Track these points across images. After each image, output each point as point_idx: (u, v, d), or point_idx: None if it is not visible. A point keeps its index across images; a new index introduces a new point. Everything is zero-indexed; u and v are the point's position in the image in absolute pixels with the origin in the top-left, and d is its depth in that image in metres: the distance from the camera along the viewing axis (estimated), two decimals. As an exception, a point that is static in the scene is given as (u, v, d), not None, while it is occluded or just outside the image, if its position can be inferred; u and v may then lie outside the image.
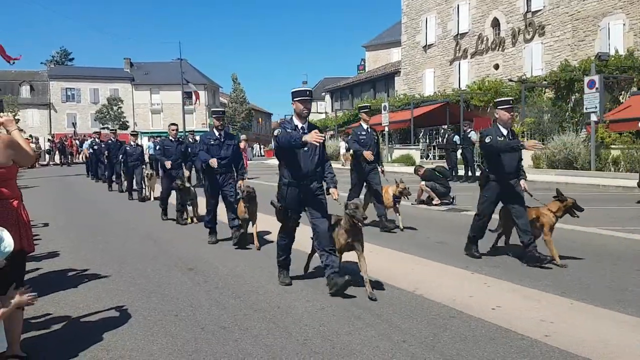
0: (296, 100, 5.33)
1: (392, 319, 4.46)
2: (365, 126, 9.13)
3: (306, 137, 4.92)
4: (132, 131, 16.38)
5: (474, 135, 18.81)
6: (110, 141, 17.94)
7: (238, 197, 7.95)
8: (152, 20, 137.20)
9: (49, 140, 43.55)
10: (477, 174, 18.49)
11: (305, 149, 5.18)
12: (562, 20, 24.89)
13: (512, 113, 6.62)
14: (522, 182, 6.55)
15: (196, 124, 58.03)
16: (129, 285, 5.70)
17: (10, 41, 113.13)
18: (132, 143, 15.06)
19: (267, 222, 9.68)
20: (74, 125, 56.66)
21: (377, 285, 5.45)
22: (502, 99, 6.84)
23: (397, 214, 9.04)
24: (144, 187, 14.63)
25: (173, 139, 10.74)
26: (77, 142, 42.56)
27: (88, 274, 6.25)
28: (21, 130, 3.87)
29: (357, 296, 5.07)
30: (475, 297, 5.03)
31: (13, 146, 3.53)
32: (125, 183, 15.78)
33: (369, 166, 8.89)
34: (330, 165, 5.60)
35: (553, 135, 20.31)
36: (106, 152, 17.57)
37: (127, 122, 57.03)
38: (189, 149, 11.52)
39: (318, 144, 5.09)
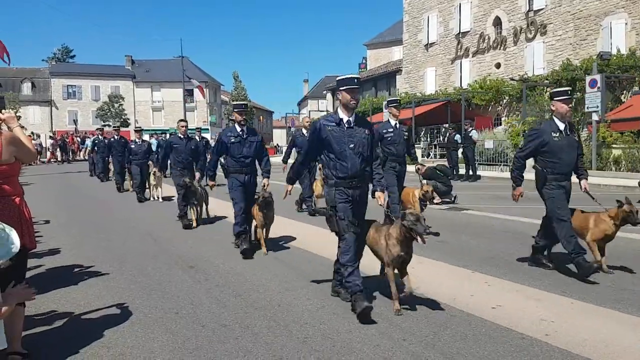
0: (342, 90, 4.70)
1: (393, 318, 4.46)
2: (393, 122, 8.48)
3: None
4: (136, 127, 15.35)
5: (475, 134, 18.82)
6: (113, 139, 17.19)
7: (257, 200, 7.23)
8: (153, 18, 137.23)
9: (50, 137, 43.59)
10: (477, 172, 18.58)
11: (352, 145, 4.67)
12: (564, 19, 24.85)
13: (570, 104, 5.96)
14: (583, 182, 5.98)
15: (197, 121, 57.96)
16: (129, 283, 5.71)
17: (12, 38, 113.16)
18: (137, 140, 14.46)
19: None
20: (75, 122, 56.67)
21: (378, 284, 5.45)
22: (559, 89, 6.08)
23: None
24: (147, 187, 14.14)
25: (183, 136, 10.12)
26: (79, 139, 42.66)
27: (89, 271, 6.26)
28: (23, 127, 3.87)
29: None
30: (475, 296, 5.03)
31: (15, 143, 3.53)
32: (132, 182, 15.16)
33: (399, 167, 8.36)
34: (379, 164, 5.11)
35: (554, 135, 20.25)
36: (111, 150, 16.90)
37: (128, 119, 57.00)
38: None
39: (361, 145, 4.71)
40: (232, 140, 7.21)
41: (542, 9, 25.89)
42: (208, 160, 9.75)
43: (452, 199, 12.00)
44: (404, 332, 4.14)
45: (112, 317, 4.58)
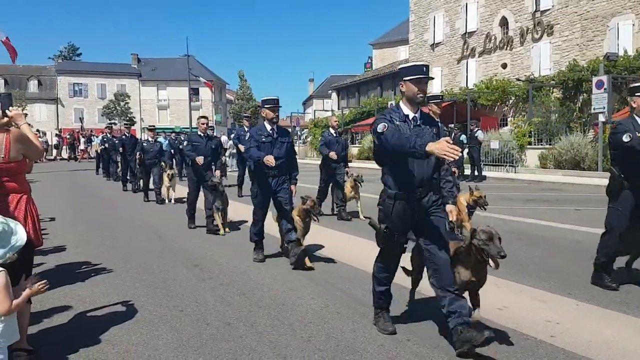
0: (407, 81, 3.85)
1: (397, 318, 4.45)
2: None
3: (433, 147, 3.34)
4: (149, 125, 14.18)
5: (480, 135, 18.76)
6: (124, 136, 16.38)
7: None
8: (159, 17, 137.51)
9: (56, 135, 43.79)
10: (483, 173, 18.54)
11: None
12: (570, 19, 24.75)
13: None
14: None
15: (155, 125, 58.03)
16: (134, 281, 5.72)
17: (19, 36, 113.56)
18: (150, 139, 13.71)
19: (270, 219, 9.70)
20: (81, 120, 56.88)
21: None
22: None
23: (467, 225, 7.24)
24: (162, 187, 13.37)
25: (202, 134, 9.31)
26: (84, 137, 42.80)
27: (94, 268, 6.29)
28: (29, 125, 3.88)
29: (361, 294, 5.08)
30: (481, 297, 5.01)
31: (23, 140, 3.55)
32: (141, 182, 14.61)
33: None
34: (449, 171, 4.22)
35: (560, 136, 20.22)
36: (120, 149, 16.10)
37: (134, 117, 57.19)
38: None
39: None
40: (263, 139, 6.38)
41: (549, 10, 25.78)
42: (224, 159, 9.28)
43: (457, 199, 11.96)
44: (408, 332, 4.13)
45: (117, 315, 4.60)
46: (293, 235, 6.33)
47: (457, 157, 3.46)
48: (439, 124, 4.18)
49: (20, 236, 2.99)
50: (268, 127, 6.46)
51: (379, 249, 4.15)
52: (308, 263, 6.14)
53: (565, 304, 4.84)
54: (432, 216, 3.89)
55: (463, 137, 18.68)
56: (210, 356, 3.72)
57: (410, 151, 3.49)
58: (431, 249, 3.88)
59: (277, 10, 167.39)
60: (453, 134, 19.83)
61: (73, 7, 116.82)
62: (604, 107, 18.10)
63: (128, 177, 16.15)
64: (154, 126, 14.89)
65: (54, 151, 39.22)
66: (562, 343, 3.89)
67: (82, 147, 39.65)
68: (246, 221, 9.26)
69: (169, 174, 13.25)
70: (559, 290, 5.22)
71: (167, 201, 13.21)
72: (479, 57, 30.03)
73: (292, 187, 6.58)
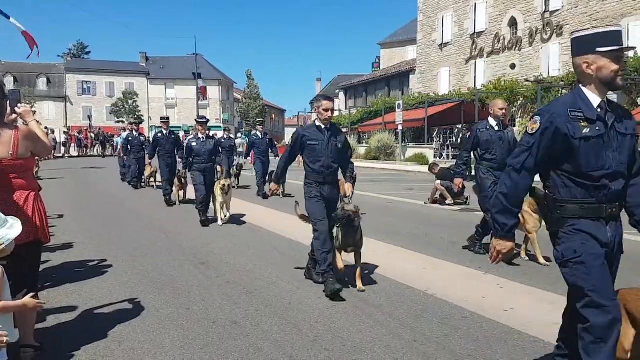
0: (602, 54, 2.78)
1: (404, 318, 4.44)
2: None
3: None
4: (199, 117, 10.60)
5: (488, 135, 18.65)
6: (160, 134, 13.24)
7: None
8: (168, 16, 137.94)
9: (64, 132, 44.04)
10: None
11: (614, 151, 2.75)
12: (580, 20, 24.59)
13: None
14: None
15: (210, 119, 58.17)
16: (141, 278, 5.74)
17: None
18: (201, 135, 9.94)
19: (279, 218, 9.70)
20: (89, 118, 57.13)
21: (389, 284, 5.43)
22: None
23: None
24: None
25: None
26: (92, 135, 43.06)
27: (101, 266, 6.31)
28: (38, 122, 3.90)
29: (368, 294, 5.06)
30: (488, 298, 4.99)
31: (31, 138, 3.56)
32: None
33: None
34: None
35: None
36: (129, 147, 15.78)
37: (142, 115, 57.38)
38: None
39: None
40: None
41: (558, 10, 25.65)
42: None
43: (465, 200, 11.92)
44: (414, 333, 4.12)
45: (123, 312, 4.61)
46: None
47: None
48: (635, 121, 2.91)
49: (10, 232, 2.92)
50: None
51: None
52: (359, 285, 5.27)
53: (574, 306, 4.79)
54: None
55: (471, 138, 18.60)
56: (216, 355, 3.72)
57: None
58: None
59: (286, 10, 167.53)
60: (461, 134, 19.77)
61: (82, 6, 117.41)
62: (614, 109, 17.95)
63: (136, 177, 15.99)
64: (204, 118, 10.45)
65: (62, 149, 39.40)
66: (570, 345, 3.85)
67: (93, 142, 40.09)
68: (258, 220, 9.28)
69: (223, 186, 9.51)
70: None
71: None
72: (487, 57, 29.92)
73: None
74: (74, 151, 40.00)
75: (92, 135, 43.03)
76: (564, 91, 23.90)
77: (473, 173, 7.39)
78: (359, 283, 5.26)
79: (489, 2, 29.61)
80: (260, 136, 14.56)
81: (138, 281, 5.63)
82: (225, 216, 9.49)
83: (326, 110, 5.39)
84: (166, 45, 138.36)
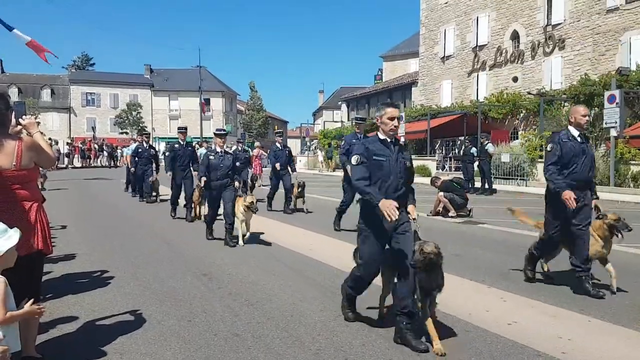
0: None
1: (406, 332, 4.40)
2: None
3: None
4: (217, 129, 9.63)
5: (491, 148, 18.68)
6: (177, 145, 12.19)
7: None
8: (172, 28, 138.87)
9: (67, 143, 44.21)
10: (493, 186, 18.43)
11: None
12: (582, 34, 24.69)
13: None
14: None
15: (213, 130, 58.36)
16: (143, 290, 5.72)
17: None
18: (219, 149, 9.02)
19: (282, 230, 9.67)
20: (93, 129, 57.39)
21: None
22: None
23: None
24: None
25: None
26: (96, 146, 43.23)
27: (103, 277, 6.30)
28: (42, 133, 3.91)
29: (371, 308, 5.04)
30: (491, 312, 4.97)
31: (35, 149, 3.58)
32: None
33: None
34: None
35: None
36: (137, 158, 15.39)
37: (146, 127, 57.62)
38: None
39: None
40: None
41: (560, 24, 25.75)
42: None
43: (468, 212, 11.90)
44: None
45: (125, 324, 4.59)
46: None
47: None
48: None
49: (6, 243, 2.92)
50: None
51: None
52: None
53: (577, 319, 4.76)
54: None
55: (473, 150, 18.62)
56: (217, 367, 3.70)
57: None
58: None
59: (288, 23, 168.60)
60: (464, 147, 19.78)
61: (87, 18, 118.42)
62: (616, 122, 17.96)
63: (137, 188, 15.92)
64: (223, 130, 9.61)
65: (66, 160, 39.51)
66: (574, 360, 3.83)
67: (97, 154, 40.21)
68: (262, 232, 9.23)
69: (251, 204, 8.55)
70: (571, 306, 5.15)
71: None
72: (489, 70, 30.00)
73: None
74: (77, 162, 40.10)
75: (96, 146, 43.20)
76: (566, 104, 23.96)
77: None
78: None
79: (491, 15, 29.76)
80: (280, 147, 13.28)
81: (140, 292, 5.62)
82: (244, 236, 8.61)
83: (391, 119, 4.30)
84: (170, 57, 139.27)
